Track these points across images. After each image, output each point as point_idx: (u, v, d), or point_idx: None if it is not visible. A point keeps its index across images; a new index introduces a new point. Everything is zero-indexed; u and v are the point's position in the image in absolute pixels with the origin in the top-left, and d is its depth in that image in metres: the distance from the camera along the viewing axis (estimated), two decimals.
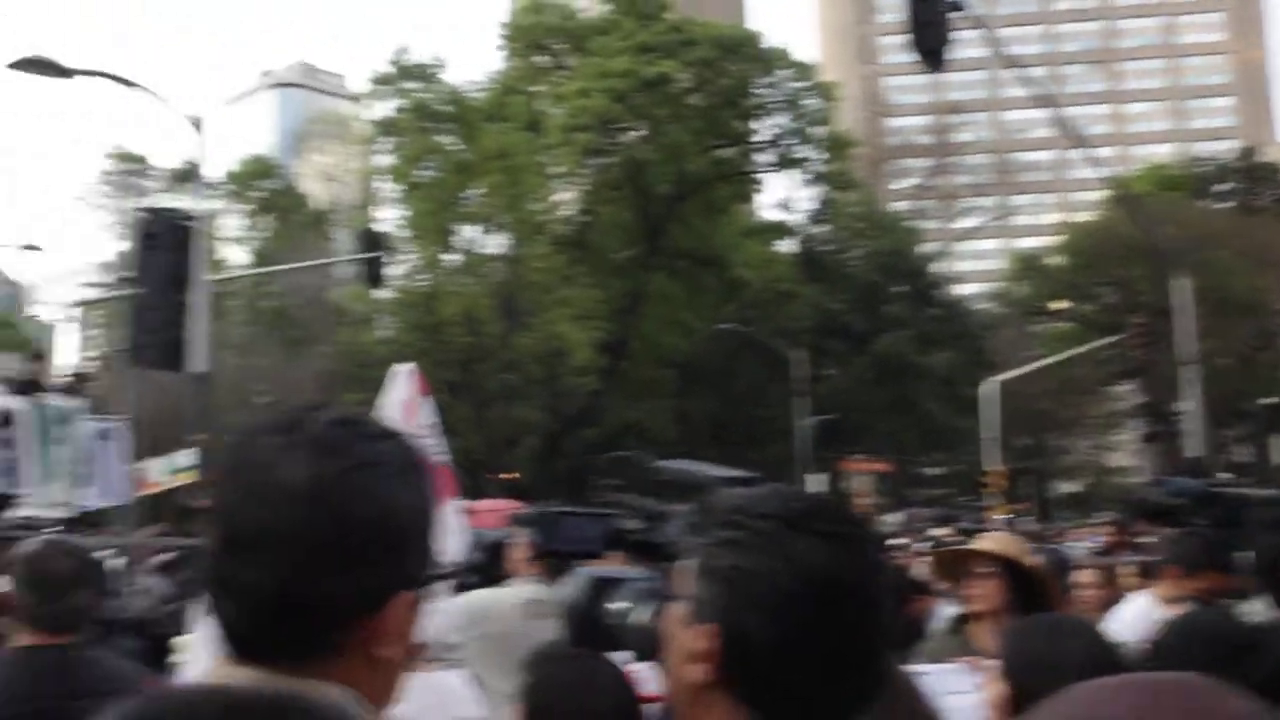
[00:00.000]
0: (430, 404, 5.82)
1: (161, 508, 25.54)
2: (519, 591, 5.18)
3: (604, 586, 2.11)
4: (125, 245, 46.99)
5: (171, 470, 24.12)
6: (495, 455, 37.96)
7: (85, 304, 40.28)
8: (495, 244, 43.19)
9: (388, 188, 45.22)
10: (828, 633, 1.48)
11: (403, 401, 5.71)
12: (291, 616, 1.34)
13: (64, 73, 17.34)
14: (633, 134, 44.46)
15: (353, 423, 1.43)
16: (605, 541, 2.52)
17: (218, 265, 29.89)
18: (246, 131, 59.94)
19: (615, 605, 2.08)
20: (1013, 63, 30.96)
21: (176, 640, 5.70)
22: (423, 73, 41.50)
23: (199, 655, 3.59)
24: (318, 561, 1.34)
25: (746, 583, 1.49)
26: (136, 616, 13.77)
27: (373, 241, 27.17)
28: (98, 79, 19.16)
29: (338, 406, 1.48)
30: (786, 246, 51.44)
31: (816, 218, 51.95)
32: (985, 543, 4.57)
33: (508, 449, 39.77)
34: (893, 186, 64.66)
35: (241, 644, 1.38)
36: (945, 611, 5.93)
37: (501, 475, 35.45)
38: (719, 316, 43.05)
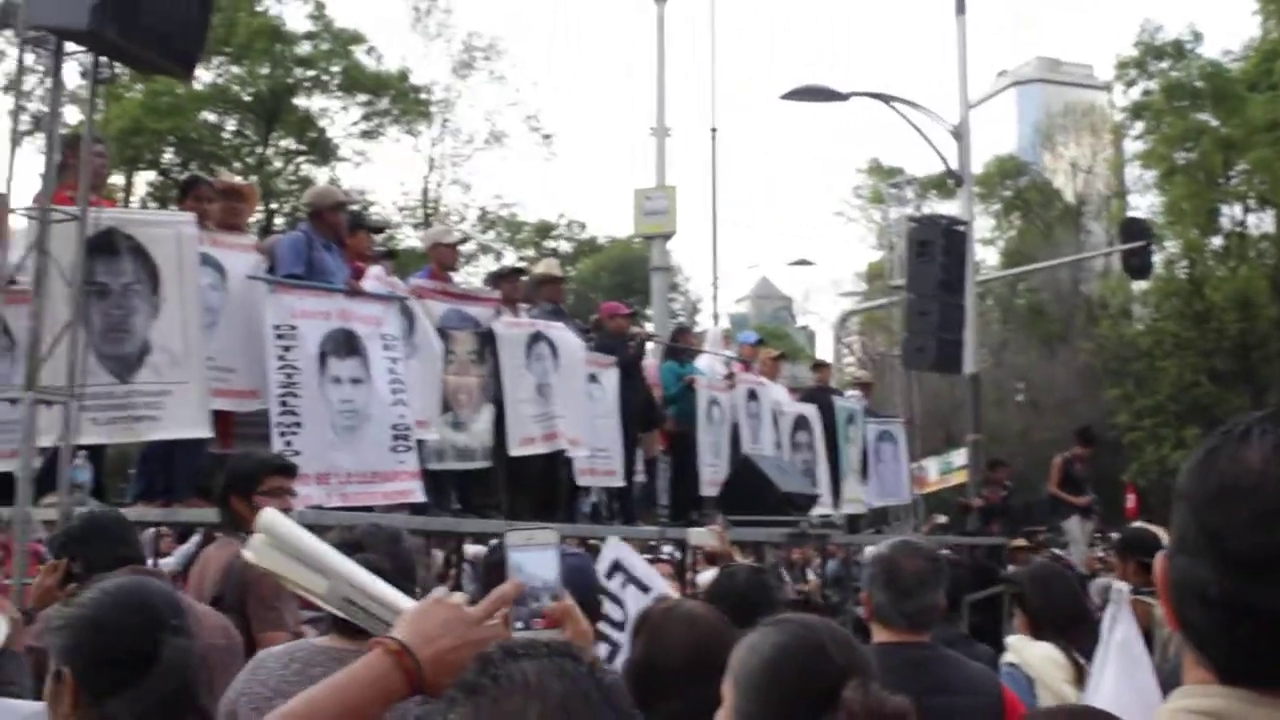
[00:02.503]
0: None
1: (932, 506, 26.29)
2: None
3: None
4: (883, 254, 48.96)
5: (946, 469, 24.83)
6: None
7: (852, 313, 42.29)
8: (1265, 223, 40.26)
9: (1142, 174, 43.60)
10: None
11: None
12: None
13: (838, 97, 18.13)
14: None
15: None
16: None
17: (976, 267, 30.29)
18: (989, 132, 60.13)
19: None
20: None
21: (1010, 640, 5.71)
22: (1175, 50, 39.60)
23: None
24: None
25: None
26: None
27: (1135, 231, 26.13)
28: (859, 99, 19.90)
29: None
30: None
31: None
32: None
33: None
34: None
35: (1255, 669, 1.31)
36: None
37: None
38: None
